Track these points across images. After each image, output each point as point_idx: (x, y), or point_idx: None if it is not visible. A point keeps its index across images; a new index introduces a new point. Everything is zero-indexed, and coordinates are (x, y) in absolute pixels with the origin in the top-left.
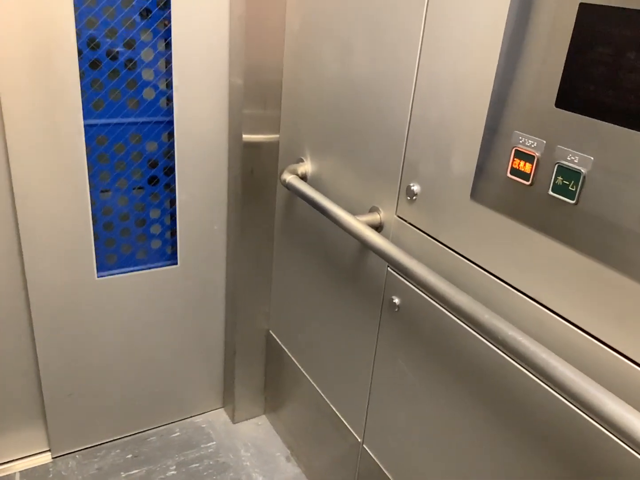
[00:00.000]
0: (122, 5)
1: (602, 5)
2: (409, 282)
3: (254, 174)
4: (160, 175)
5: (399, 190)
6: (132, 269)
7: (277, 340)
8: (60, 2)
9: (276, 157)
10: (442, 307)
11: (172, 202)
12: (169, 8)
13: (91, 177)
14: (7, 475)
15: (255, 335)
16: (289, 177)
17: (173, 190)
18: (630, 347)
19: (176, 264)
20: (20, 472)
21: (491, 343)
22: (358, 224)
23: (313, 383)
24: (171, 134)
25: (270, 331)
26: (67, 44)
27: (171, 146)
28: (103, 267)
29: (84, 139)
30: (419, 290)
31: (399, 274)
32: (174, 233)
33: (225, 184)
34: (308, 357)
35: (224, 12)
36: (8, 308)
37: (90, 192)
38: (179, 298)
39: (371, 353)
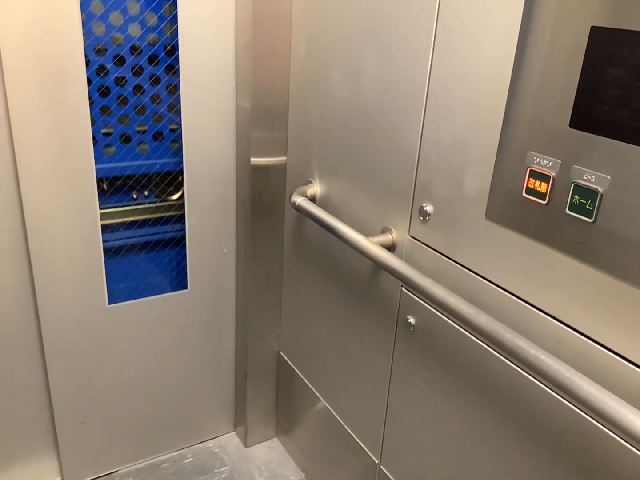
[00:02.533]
0: (131, 52)
1: (613, 28)
2: (425, 301)
3: (262, 197)
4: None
5: (412, 211)
6: (142, 295)
7: (288, 361)
8: (70, 38)
9: (284, 180)
10: (460, 326)
11: (182, 227)
12: (177, 51)
13: (101, 206)
14: None
15: (266, 357)
16: (299, 199)
17: (182, 217)
18: None
19: (186, 288)
20: None
21: (511, 361)
22: (371, 245)
23: (326, 404)
24: (179, 163)
25: (281, 352)
26: (78, 80)
27: (179, 174)
28: (114, 294)
29: (95, 173)
30: (435, 309)
31: (414, 294)
32: (183, 258)
33: (233, 208)
34: (320, 378)
35: (230, 39)
36: (20, 337)
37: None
38: (189, 322)
39: (387, 373)
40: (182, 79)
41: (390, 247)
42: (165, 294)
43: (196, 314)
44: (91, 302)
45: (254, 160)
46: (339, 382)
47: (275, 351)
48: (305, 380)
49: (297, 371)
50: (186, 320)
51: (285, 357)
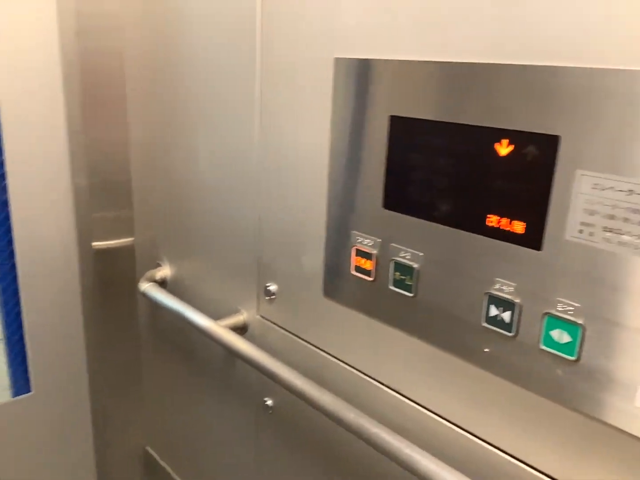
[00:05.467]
0: None
1: (409, 118)
2: None
3: (110, 283)
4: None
5: (258, 291)
6: None
7: (155, 456)
8: None
9: (134, 262)
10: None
11: (19, 325)
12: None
13: None
14: None
15: (132, 456)
16: (145, 286)
17: (19, 313)
18: (481, 427)
19: (30, 391)
20: None
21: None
22: (219, 329)
23: None
24: (10, 256)
25: (148, 448)
26: None
27: (12, 268)
28: None
29: None
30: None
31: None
32: (24, 359)
33: (79, 298)
34: (190, 471)
35: (61, 122)
36: None
37: None
38: (38, 429)
39: (252, 457)
40: (9, 164)
41: (242, 328)
42: (5, 401)
43: (45, 419)
44: None
45: (98, 244)
46: (209, 473)
47: (141, 446)
48: (175, 477)
49: (166, 466)
50: (34, 427)
51: (152, 453)
